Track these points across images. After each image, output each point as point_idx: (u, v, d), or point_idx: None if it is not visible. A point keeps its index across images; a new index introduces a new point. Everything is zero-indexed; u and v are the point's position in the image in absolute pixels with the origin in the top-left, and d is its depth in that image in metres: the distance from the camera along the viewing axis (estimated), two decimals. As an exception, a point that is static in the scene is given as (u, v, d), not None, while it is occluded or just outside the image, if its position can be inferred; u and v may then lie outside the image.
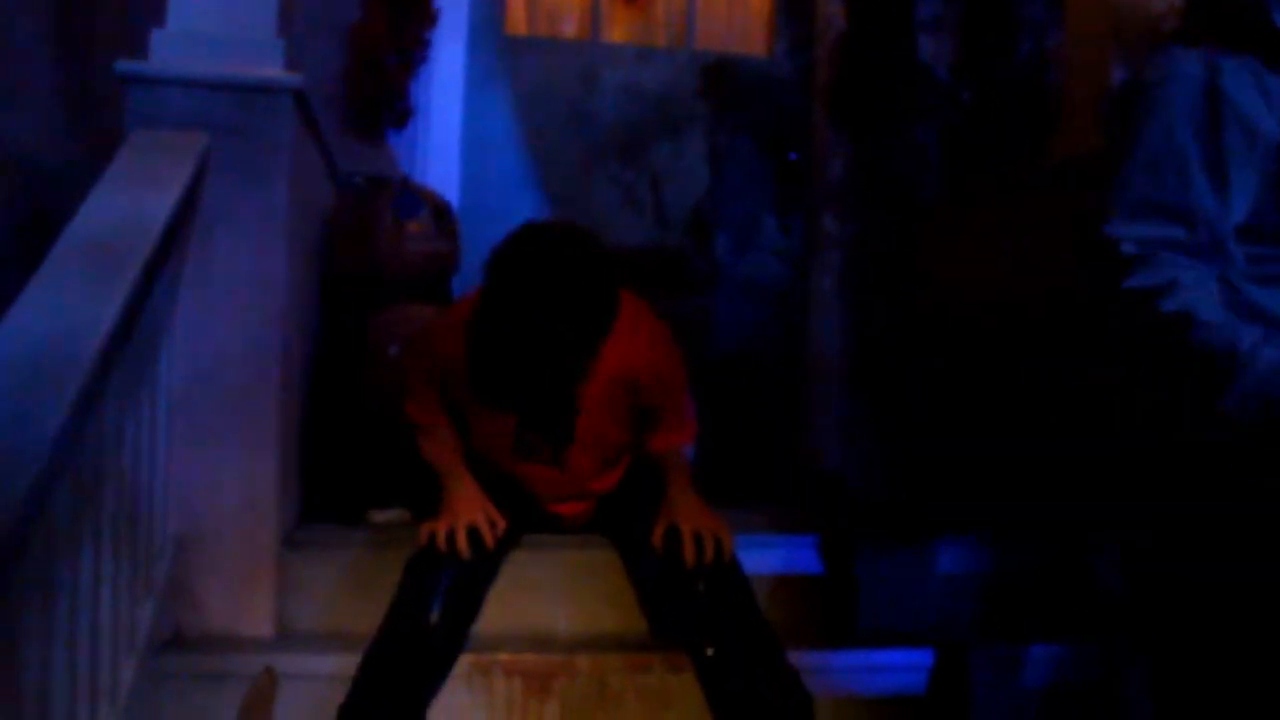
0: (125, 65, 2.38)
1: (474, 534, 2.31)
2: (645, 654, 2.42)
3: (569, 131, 4.03)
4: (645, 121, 4.06)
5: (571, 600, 2.56)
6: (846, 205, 4.00)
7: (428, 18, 3.70)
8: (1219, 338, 1.65)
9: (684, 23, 4.16)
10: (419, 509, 2.66)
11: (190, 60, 2.40)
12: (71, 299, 1.78)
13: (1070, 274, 2.88)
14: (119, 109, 2.41)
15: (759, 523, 2.85)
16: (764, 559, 2.59)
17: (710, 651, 2.26)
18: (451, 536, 2.29)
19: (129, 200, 2.09)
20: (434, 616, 2.24)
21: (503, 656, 2.38)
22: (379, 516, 2.80)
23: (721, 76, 4.10)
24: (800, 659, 2.30)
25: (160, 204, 2.10)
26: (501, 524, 2.36)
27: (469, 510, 2.34)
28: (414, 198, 3.04)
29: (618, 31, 4.15)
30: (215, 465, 2.41)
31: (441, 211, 3.12)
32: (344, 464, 2.86)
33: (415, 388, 2.50)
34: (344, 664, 2.23)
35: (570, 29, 4.13)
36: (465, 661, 2.31)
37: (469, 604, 2.32)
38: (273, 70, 2.44)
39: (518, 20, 4.09)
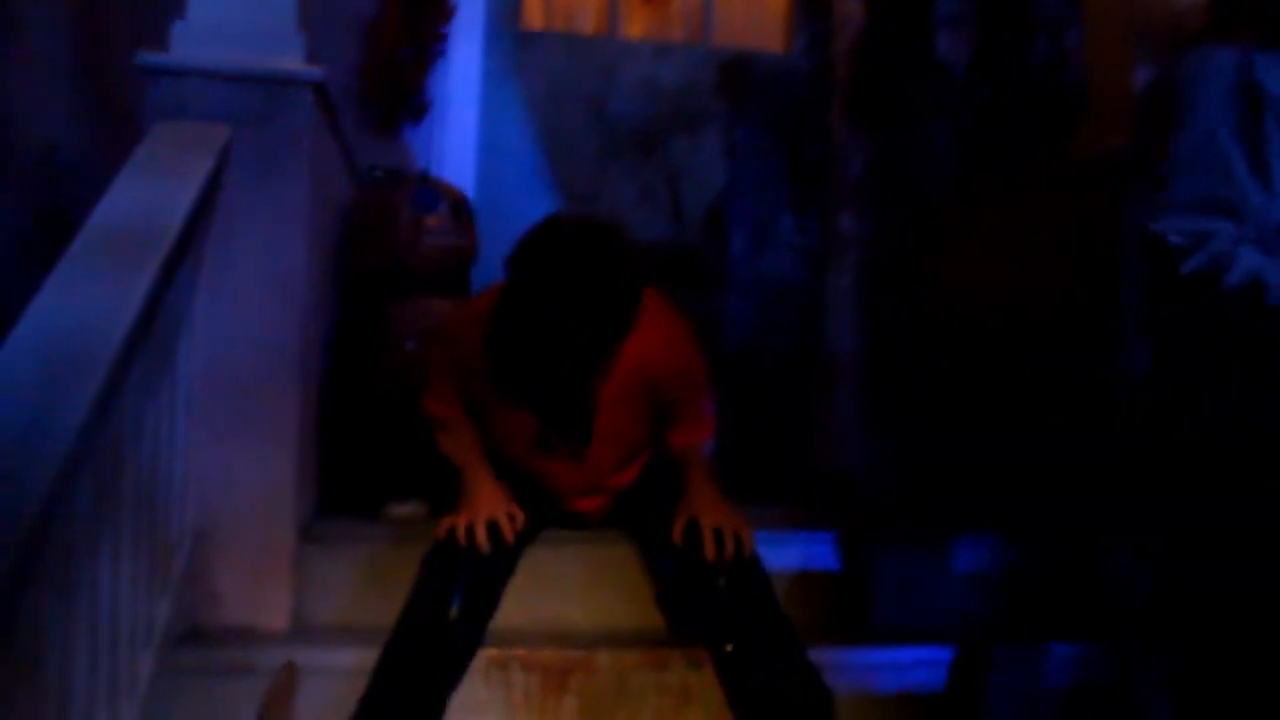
0: (146, 57, 2.38)
1: (494, 529, 2.30)
2: (664, 650, 2.41)
3: (585, 127, 4.02)
4: (662, 117, 4.05)
5: (590, 596, 2.55)
6: (864, 204, 3.98)
7: (444, 12, 3.70)
8: None
9: (701, 18, 4.15)
10: (436, 503, 2.66)
11: (211, 52, 2.40)
12: (94, 290, 1.78)
13: (1082, 273, 2.89)
14: (137, 100, 2.41)
15: (776, 519, 2.84)
16: (782, 556, 2.58)
17: (730, 647, 2.24)
18: (471, 531, 2.28)
19: (151, 191, 2.08)
20: (453, 611, 2.23)
21: (521, 652, 2.37)
22: (397, 510, 2.79)
23: (739, 73, 4.08)
24: (819, 656, 2.29)
25: (181, 196, 2.10)
26: (521, 518, 2.35)
27: (489, 505, 2.33)
28: (433, 192, 3.04)
29: (635, 27, 4.14)
30: (233, 457, 2.40)
31: (459, 206, 3.11)
32: (361, 457, 2.86)
33: (434, 381, 2.49)
34: (361, 658, 2.22)
35: (587, 24, 4.12)
36: (483, 657, 2.30)
37: (488, 599, 2.31)
38: (293, 62, 2.44)
39: (534, 15, 4.09)
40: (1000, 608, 2.69)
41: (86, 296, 1.75)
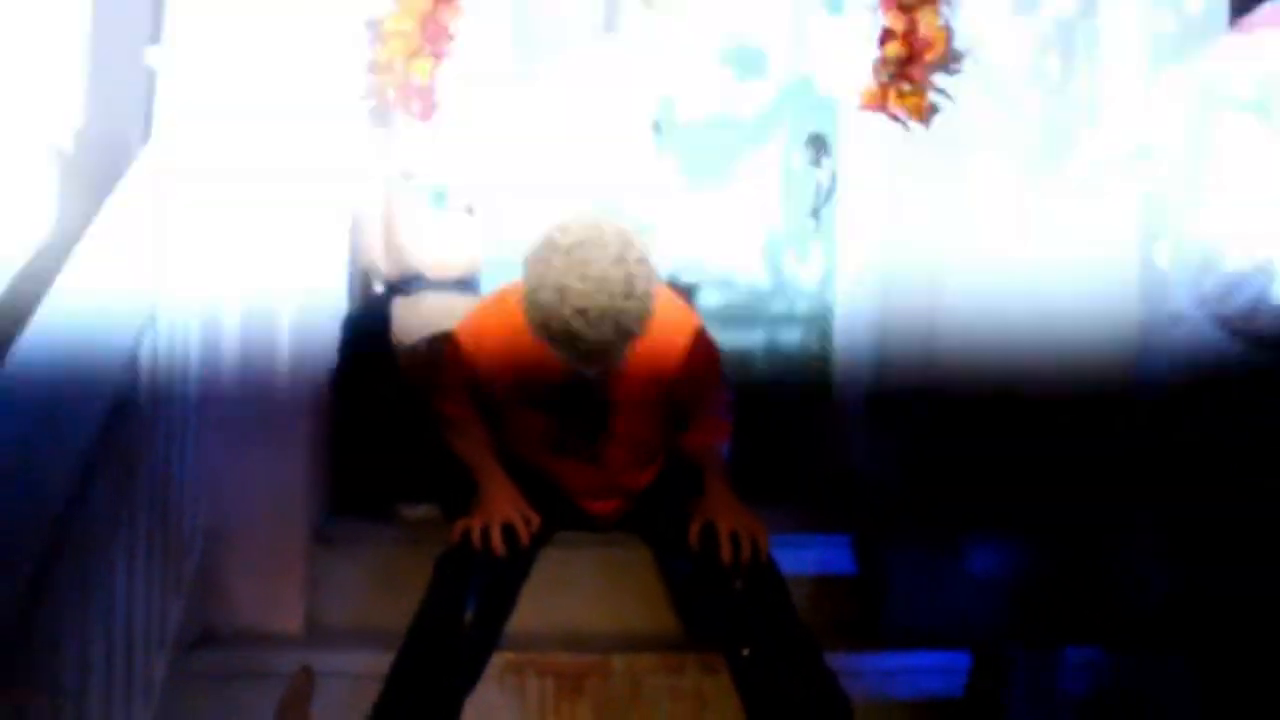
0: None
1: (509, 531, 2.28)
2: (679, 654, 2.40)
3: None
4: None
5: (605, 599, 2.54)
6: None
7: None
8: None
9: None
10: (447, 504, 2.64)
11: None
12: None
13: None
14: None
15: (792, 522, 2.82)
16: (800, 559, 2.56)
17: (746, 652, 2.23)
18: (486, 534, 2.26)
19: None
20: (468, 615, 2.21)
21: (535, 656, 2.35)
22: (409, 512, 2.77)
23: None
24: (835, 661, 2.27)
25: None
26: (536, 521, 2.33)
27: (504, 507, 2.31)
28: (443, 190, 3.02)
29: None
30: (244, 458, 2.39)
31: (471, 205, 3.09)
32: (372, 457, 2.83)
33: (447, 382, 2.47)
34: (374, 661, 2.21)
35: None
36: (497, 660, 2.28)
37: (503, 602, 2.29)
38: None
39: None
40: (1019, 611, 2.66)
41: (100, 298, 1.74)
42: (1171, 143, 2.06)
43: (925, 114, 2.78)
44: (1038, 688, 2.49)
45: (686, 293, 3.16)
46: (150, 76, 2.40)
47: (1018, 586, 2.73)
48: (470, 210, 3.05)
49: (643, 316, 2.15)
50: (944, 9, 2.79)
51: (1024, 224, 2.77)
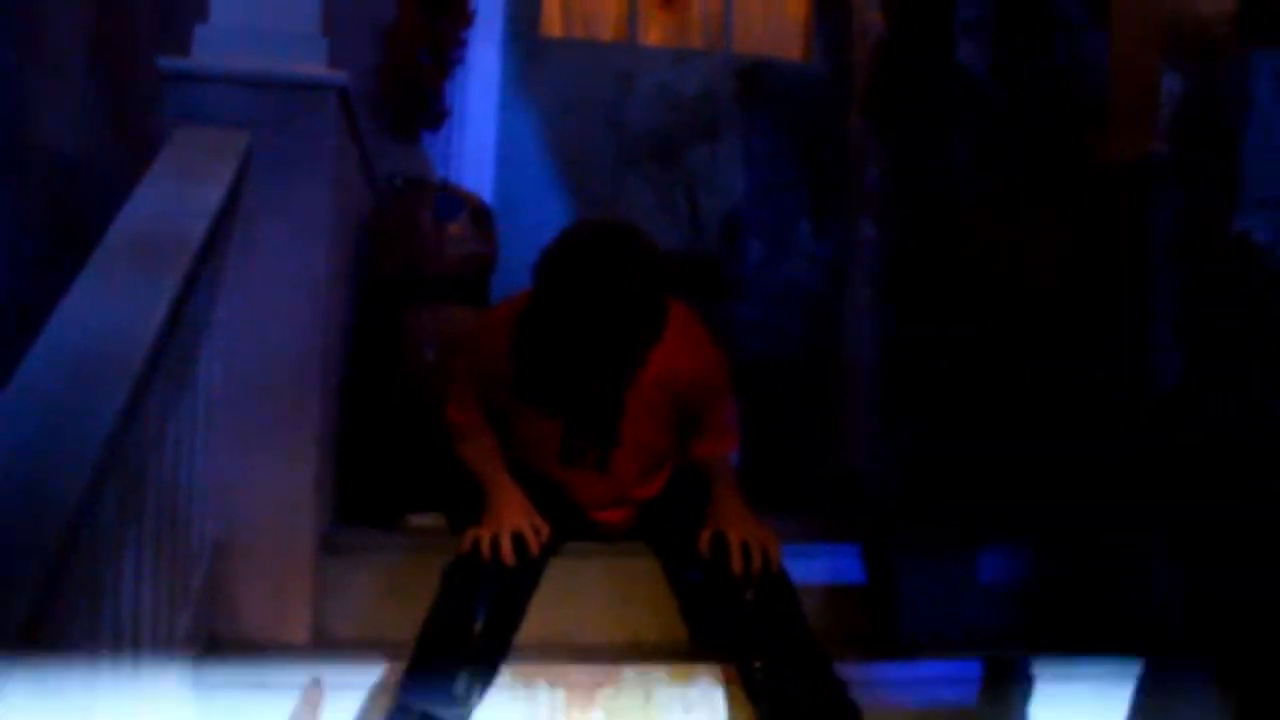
0: (167, 61, 2.35)
1: (518, 541, 2.27)
2: (690, 664, 2.37)
3: (604, 134, 3.98)
4: (681, 125, 4.01)
5: (615, 609, 2.52)
6: (882, 211, 3.94)
7: (463, 17, 3.67)
8: None
9: (721, 25, 4.11)
10: (454, 514, 2.62)
11: (233, 56, 2.37)
12: (119, 298, 1.75)
13: (1105, 279, 2.86)
14: (157, 105, 2.38)
15: (799, 531, 2.80)
16: (810, 569, 2.54)
17: (758, 663, 2.22)
18: (495, 543, 2.25)
19: (174, 197, 2.06)
20: (478, 625, 2.20)
21: (545, 666, 2.33)
22: (417, 521, 2.76)
23: (758, 80, 4.05)
24: (846, 671, 2.26)
25: (204, 202, 2.07)
26: (546, 530, 2.32)
27: (513, 517, 2.30)
28: (455, 200, 3.01)
29: (653, 34, 4.11)
30: (253, 466, 2.37)
31: (480, 213, 3.08)
32: (379, 465, 2.82)
33: (456, 391, 2.46)
34: (384, 673, 2.20)
35: (606, 31, 4.09)
36: (507, 671, 2.26)
37: (512, 613, 2.28)
38: (316, 67, 2.41)
39: (553, 21, 4.05)
40: (1031, 619, 2.65)
41: (112, 304, 1.73)
42: None
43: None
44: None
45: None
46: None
47: (1028, 592, 2.72)
48: (479, 220, 3.05)
49: (652, 318, 2.15)
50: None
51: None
